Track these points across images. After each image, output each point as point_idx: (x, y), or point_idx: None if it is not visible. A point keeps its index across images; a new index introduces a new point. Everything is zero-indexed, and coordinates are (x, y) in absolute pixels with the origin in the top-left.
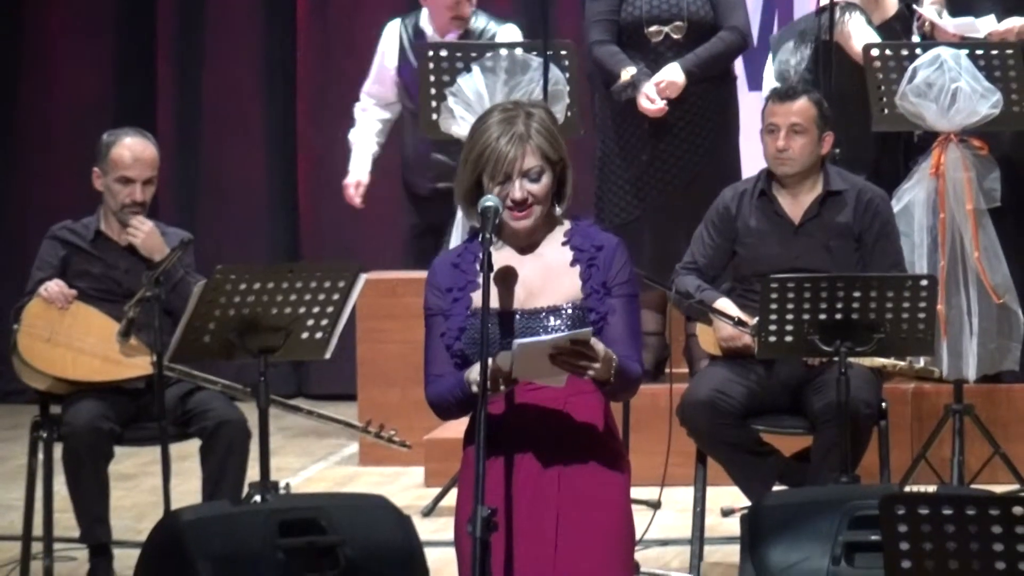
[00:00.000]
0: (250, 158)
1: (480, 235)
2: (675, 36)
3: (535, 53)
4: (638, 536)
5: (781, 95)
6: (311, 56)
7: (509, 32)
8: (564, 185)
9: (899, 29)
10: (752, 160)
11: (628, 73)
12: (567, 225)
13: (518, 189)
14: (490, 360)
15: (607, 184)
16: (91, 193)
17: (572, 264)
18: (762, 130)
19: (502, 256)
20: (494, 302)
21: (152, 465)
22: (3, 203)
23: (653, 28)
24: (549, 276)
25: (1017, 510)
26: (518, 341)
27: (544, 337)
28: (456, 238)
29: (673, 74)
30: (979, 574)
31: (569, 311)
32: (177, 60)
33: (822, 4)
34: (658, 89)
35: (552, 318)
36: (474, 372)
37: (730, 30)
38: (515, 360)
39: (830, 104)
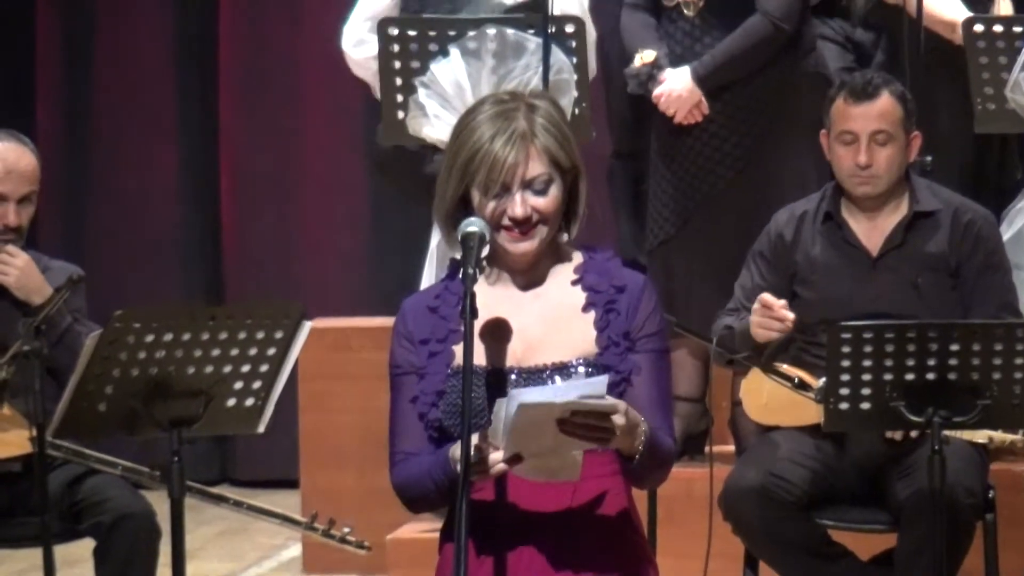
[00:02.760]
0: (159, 167)
1: (461, 269)
2: (687, 12)
3: (532, 31)
4: None
5: (857, 92)
6: (238, 31)
7: None
8: (576, 201)
9: None
10: None
11: (643, 57)
12: (579, 258)
13: (519, 204)
14: (475, 436)
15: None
16: None
17: (585, 309)
18: (831, 137)
19: (494, 294)
20: (481, 358)
21: (31, 573)
22: None
23: None
24: (555, 323)
25: None
26: (520, 399)
27: (553, 398)
28: (430, 273)
29: (678, 82)
30: None
31: (580, 369)
32: (63, 35)
33: None
34: (659, 102)
35: (558, 379)
36: (459, 450)
37: (760, 16)
38: (512, 429)
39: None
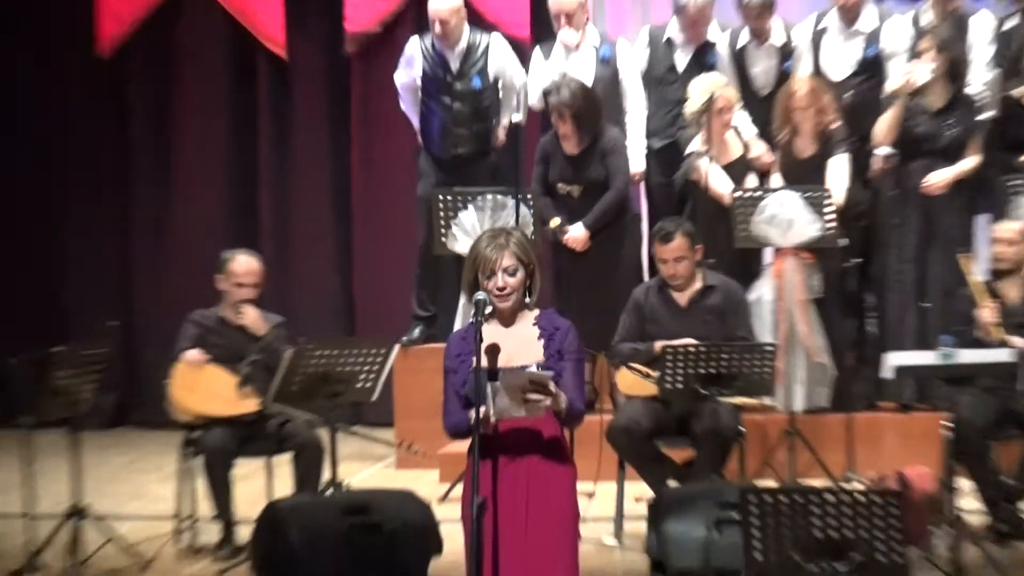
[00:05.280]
0: (318, 274)
1: (475, 318)
2: (574, 196)
3: (510, 196)
4: (581, 514)
5: (663, 237)
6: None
7: (496, 41)
8: (534, 282)
9: (740, 169)
10: None
11: (554, 221)
12: (537, 312)
13: (499, 280)
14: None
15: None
16: (214, 291)
17: (539, 338)
18: (655, 257)
19: (492, 328)
20: (485, 363)
21: (260, 471)
22: (171, 300)
23: (560, 185)
24: (523, 344)
25: (829, 497)
26: (498, 381)
27: (501, 381)
28: (460, 319)
29: (577, 231)
30: (804, 539)
31: (536, 368)
32: (274, 192)
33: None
34: (568, 243)
35: None
36: (473, 413)
37: (612, 191)
38: (498, 391)
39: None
